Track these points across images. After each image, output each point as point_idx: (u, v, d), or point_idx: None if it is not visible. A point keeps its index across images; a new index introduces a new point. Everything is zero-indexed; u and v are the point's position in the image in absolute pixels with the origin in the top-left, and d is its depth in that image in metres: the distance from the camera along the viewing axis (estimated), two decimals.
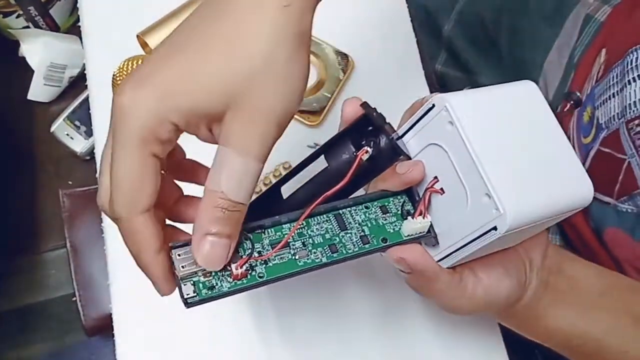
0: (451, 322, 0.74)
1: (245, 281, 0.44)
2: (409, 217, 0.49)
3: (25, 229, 1.24)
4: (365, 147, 0.48)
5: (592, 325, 0.58)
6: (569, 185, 0.46)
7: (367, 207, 0.49)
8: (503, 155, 0.45)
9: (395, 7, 0.91)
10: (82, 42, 0.86)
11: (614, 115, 0.77)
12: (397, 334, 0.73)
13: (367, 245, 0.48)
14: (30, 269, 1.22)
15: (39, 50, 1.29)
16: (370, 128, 0.49)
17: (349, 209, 0.49)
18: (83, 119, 1.24)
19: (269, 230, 0.47)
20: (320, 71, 0.86)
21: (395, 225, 0.49)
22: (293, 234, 0.46)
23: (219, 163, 0.41)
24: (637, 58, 0.73)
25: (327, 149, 0.50)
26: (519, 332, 0.62)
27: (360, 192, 0.51)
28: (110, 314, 0.73)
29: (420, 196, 0.49)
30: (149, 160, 0.41)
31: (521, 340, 0.65)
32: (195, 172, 0.50)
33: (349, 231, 0.48)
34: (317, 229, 0.48)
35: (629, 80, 0.74)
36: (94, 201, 0.74)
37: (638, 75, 0.73)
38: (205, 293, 0.43)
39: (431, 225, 0.49)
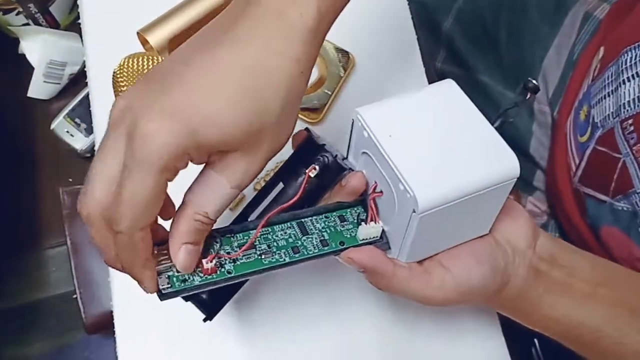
0: (449, 312, 0.74)
1: (215, 276, 0.49)
2: (363, 223, 0.54)
3: (25, 227, 1.24)
4: (313, 166, 0.54)
5: (589, 315, 0.58)
6: (488, 163, 0.49)
7: (326, 217, 0.54)
8: (415, 147, 0.49)
9: (396, 4, 0.91)
10: (82, 40, 0.86)
11: (609, 114, 0.77)
12: (395, 324, 0.74)
13: (326, 248, 0.53)
14: (30, 267, 1.22)
15: (39, 47, 1.29)
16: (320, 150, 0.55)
17: (310, 218, 0.54)
18: (83, 116, 1.24)
19: (238, 235, 0.52)
20: (321, 68, 0.86)
21: (352, 231, 0.54)
22: (258, 237, 0.52)
23: (210, 187, 0.47)
24: (631, 57, 0.74)
25: (283, 173, 0.57)
26: (519, 322, 0.62)
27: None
28: (111, 312, 0.73)
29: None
30: (163, 186, 0.44)
31: (520, 330, 0.65)
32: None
33: (310, 236, 0.53)
34: (281, 234, 0.53)
35: (623, 80, 0.74)
36: None
37: (632, 75, 0.73)
38: (179, 285, 0.48)
39: (383, 231, 0.54)
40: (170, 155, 0.42)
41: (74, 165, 1.25)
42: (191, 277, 0.49)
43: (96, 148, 0.79)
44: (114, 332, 0.72)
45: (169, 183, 0.45)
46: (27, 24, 1.36)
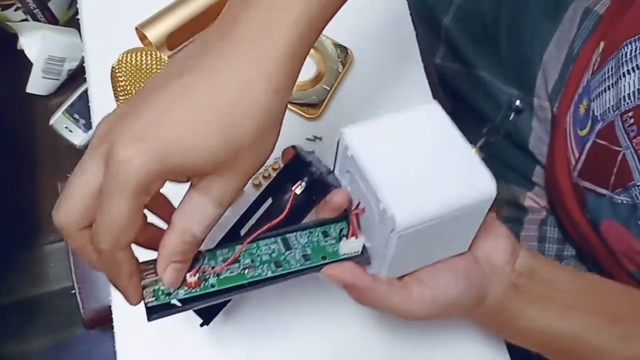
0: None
1: (198, 289, 0.51)
2: (344, 238, 0.55)
3: (24, 222, 1.24)
4: (299, 182, 0.56)
5: (570, 325, 0.59)
6: (466, 184, 0.51)
7: (310, 232, 0.56)
8: (396, 168, 0.51)
9: (395, 0, 0.91)
10: (80, 35, 0.86)
11: (609, 108, 0.77)
12: (395, 324, 0.74)
13: (308, 262, 0.54)
14: (29, 262, 1.22)
15: (38, 43, 1.29)
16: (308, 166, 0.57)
17: (294, 233, 0.56)
18: (82, 111, 1.24)
19: (223, 249, 0.54)
20: (320, 64, 0.86)
21: (334, 246, 0.56)
22: (242, 252, 0.53)
23: (194, 208, 0.48)
24: (631, 50, 0.74)
25: (272, 188, 0.58)
26: (503, 337, 0.63)
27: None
28: (110, 307, 0.73)
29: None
30: (140, 207, 0.46)
31: None
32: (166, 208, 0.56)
33: (292, 251, 0.55)
34: (265, 249, 0.54)
35: (623, 73, 0.74)
36: None
37: (632, 68, 0.73)
38: (163, 298, 0.50)
39: (365, 247, 0.55)
40: (144, 179, 0.44)
41: (73, 161, 1.22)
42: (175, 291, 0.51)
43: None
44: (112, 327, 0.72)
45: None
46: (26, 20, 1.36)
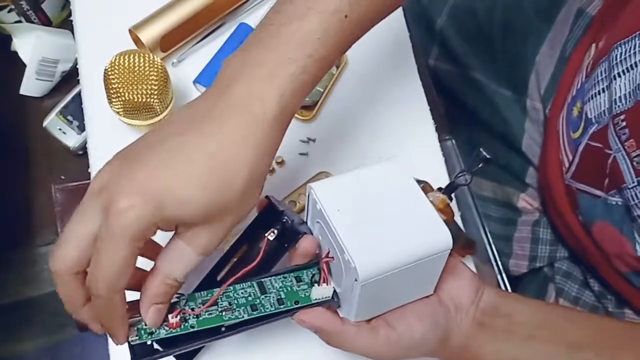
0: None
1: (179, 330, 0.54)
2: (315, 285, 0.59)
3: (17, 224, 1.23)
4: (272, 230, 0.60)
5: (531, 356, 0.62)
6: (424, 237, 0.55)
7: (284, 277, 0.59)
8: (360, 222, 0.55)
9: None
10: (74, 37, 0.86)
11: (603, 111, 0.77)
12: None
13: (282, 306, 0.57)
14: (23, 264, 1.22)
15: (31, 44, 1.28)
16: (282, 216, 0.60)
17: (269, 278, 0.59)
18: (75, 113, 1.23)
19: (202, 292, 0.56)
20: None
21: (306, 291, 0.59)
22: (220, 296, 0.56)
23: (178, 255, 0.52)
24: (621, 53, 0.74)
25: (247, 236, 0.63)
26: None
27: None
28: None
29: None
30: (135, 253, 0.49)
31: None
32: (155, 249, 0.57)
33: (268, 295, 0.58)
34: (241, 292, 0.57)
35: (614, 76, 0.74)
36: None
37: (623, 70, 0.73)
38: (146, 337, 0.53)
39: (335, 292, 0.59)
40: (140, 228, 0.48)
41: (67, 163, 1.24)
42: (157, 330, 0.53)
43: (88, 145, 0.79)
44: None
45: None
46: (20, 21, 1.35)
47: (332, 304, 0.59)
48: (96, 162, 0.79)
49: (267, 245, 0.60)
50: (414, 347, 0.59)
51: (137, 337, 0.53)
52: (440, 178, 0.81)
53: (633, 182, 0.73)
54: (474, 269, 0.72)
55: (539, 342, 0.61)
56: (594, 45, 0.87)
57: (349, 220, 0.55)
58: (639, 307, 0.85)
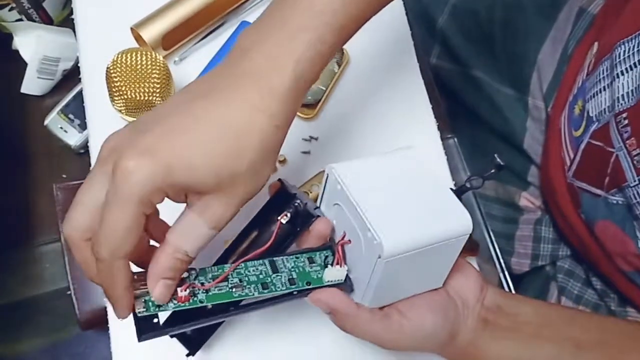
0: None
1: (187, 304, 0.53)
2: (329, 266, 0.58)
3: (18, 223, 1.23)
4: (285, 212, 0.59)
5: (537, 355, 0.62)
6: (445, 220, 0.56)
7: (297, 257, 0.58)
8: (381, 201, 0.55)
9: None
10: (75, 35, 0.86)
11: (605, 109, 0.77)
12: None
13: (293, 286, 0.56)
14: (24, 263, 1.21)
15: (32, 43, 1.28)
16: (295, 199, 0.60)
17: (281, 257, 0.58)
18: (77, 112, 1.23)
19: (213, 267, 0.56)
20: None
21: (319, 273, 0.58)
22: (231, 272, 0.55)
23: (188, 227, 0.51)
24: (624, 51, 0.74)
25: (258, 220, 0.61)
26: None
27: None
28: (105, 308, 0.73)
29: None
30: (140, 218, 0.48)
31: None
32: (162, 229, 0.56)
33: (279, 274, 0.57)
34: (253, 270, 0.56)
35: (617, 74, 0.74)
36: None
37: (626, 69, 0.73)
38: (154, 309, 0.51)
39: (348, 276, 0.58)
40: (147, 190, 0.47)
41: (68, 161, 1.23)
42: (166, 304, 0.52)
43: (90, 144, 0.79)
44: (108, 328, 0.72)
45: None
46: (21, 20, 1.35)
47: (345, 287, 0.59)
48: None
49: (280, 229, 0.59)
50: (425, 338, 0.59)
51: (144, 309, 0.51)
52: (441, 175, 0.81)
53: (635, 181, 0.72)
54: (477, 268, 0.72)
55: (544, 341, 0.62)
56: (596, 43, 0.86)
57: (371, 198, 0.55)
58: None
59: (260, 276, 0.56)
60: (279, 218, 0.59)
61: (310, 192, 0.75)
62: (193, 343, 0.64)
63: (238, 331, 0.72)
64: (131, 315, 0.52)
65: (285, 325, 0.73)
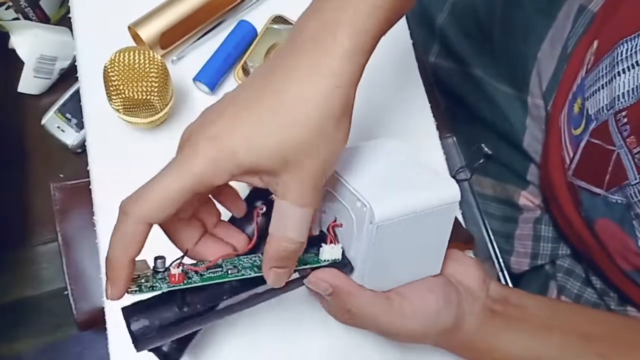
0: None
1: (182, 284, 0.51)
2: (323, 244, 0.58)
3: (15, 223, 1.22)
4: (259, 206, 0.60)
5: (546, 346, 0.61)
6: (432, 188, 0.57)
7: None
8: (368, 176, 0.56)
9: None
10: (72, 34, 0.85)
11: (603, 107, 0.77)
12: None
13: None
14: (21, 263, 1.21)
15: (29, 42, 1.28)
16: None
17: None
18: (74, 111, 1.23)
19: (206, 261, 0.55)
20: None
21: (314, 257, 0.58)
22: (225, 261, 0.55)
23: (282, 215, 0.51)
24: (626, 49, 0.73)
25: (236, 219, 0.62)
26: None
27: None
28: (103, 308, 0.73)
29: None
30: (188, 194, 0.49)
31: None
32: (233, 200, 0.60)
33: None
34: (247, 260, 0.56)
35: (618, 72, 0.74)
36: (85, 194, 0.74)
37: (627, 67, 0.73)
38: (146, 290, 0.51)
39: (345, 256, 0.58)
40: (207, 171, 0.48)
41: (65, 161, 1.23)
42: (160, 285, 0.51)
43: (87, 143, 0.79)
44: (105, 329, 0.72)
45: None
46: (17, 19, 1.35)
47: (345, 267, 0.58)
48: (95, 160, 0.79)
49: (259, 224, 0.60)
50: (427, 322, 0.58)
51: (137, 289, 0.50)
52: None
53: (636, 179, 0.72)
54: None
55: (552, 332, 0.61)
56: (595, 41, 0.86)
57: (358, 174, 0.56)
58: None
59: (255, 263, 0.56)
60: (255, 212, 0.60)
61: None
62: (171, 357, 0.64)
63: (239, 334, 0.72)
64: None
65: (283, 328, 0.73)
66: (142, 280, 0.51)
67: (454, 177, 0.70)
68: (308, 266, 0.57)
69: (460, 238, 0.76)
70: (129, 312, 0.52)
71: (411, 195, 0.55)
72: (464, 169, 0.67)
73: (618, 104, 0.73)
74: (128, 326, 0.52)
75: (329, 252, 0.57)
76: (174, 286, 0.51)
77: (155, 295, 0.53)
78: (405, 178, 0.58)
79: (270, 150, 0.48)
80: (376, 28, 0.53)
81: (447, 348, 0.63)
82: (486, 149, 0.66)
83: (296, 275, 0.58)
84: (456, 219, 0.77)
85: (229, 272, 0.54)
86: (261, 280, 0.55)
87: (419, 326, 0.58)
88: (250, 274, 0.54)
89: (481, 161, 0.67)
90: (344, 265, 0.58)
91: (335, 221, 0.58)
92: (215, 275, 0.53)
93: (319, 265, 0.57)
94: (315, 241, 0.59)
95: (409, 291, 0.58)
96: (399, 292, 0.58)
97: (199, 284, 0.52)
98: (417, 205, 0.55)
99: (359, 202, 0.53)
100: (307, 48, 0.51)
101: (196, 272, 0.53)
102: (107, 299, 0.50)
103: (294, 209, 0.50)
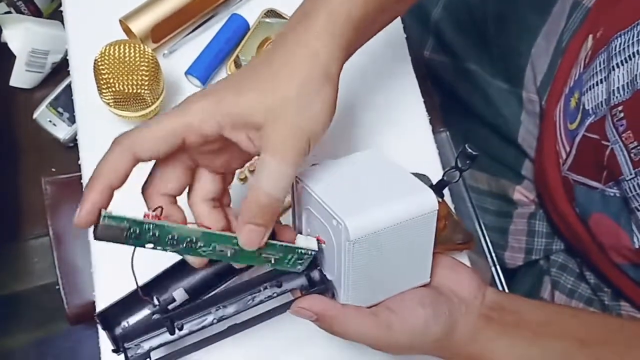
0: None
1: (155, 222, 0.51)
2: (299, 234, 0.58)
3: (7, 217, 1.22)
4: None
5: (544, 352, 0.60)
6: (408, 199, 0.56)
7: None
8: (343, 192, 0.56)
9: None
10: (64, 28, 0.85)
11: (601, 102, 0.77)
12: None
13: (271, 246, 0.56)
14: (12, 257, 1.21)
15: (21, 35, 1.27)
16: None
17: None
18: (66, 105, 1.22)
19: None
20: None
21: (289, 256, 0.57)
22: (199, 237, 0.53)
23: (261, 168, 0.52)
24: (620, 43, 0.73)
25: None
26: None
27: None
28: (94, 302, 0.72)
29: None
30: (177, 139, 0.52)
31: None
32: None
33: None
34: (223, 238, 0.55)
35: (613, 66, 0.74)
36: (77, 189, 0.73)
37: (622, 61, 0.72)
38: (116, 221, 0.50)
39: (327, 279, 0.58)
40: (196, 117, 0.52)
41: (57, 155, 1.23)
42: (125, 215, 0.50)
43: (78, 137, 0.78)
44: (96, 323, 0.71)
45: None
46: (9, 12, 1.35)
47: (325, 292, 0.58)
48: (87, 154, 0.78)
49: None
50: (416, 334, 0.57)
51: (107, 216, 0.49)
52: (434, 170, 0.80)
53: (631, 174, 0.72)
54: (468, 263, 0.72)
55: (549, 338, 0.60)
56: (590, 36, 0.86)
57: (333, 192, 0.56)
58: (636, 300, 0.85)
59: (232, 241, 0.54)
60: None
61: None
62: None
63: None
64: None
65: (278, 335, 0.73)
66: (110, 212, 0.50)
67: (442, 179, 0.70)
68: (284, 243, 0.56)
69: (458, 239, 0.75)
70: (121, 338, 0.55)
71: (386, 208, 0.55)
72: (453, 170, 0.67)
73: (613, 98, 0.73)
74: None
75: (304, 241, 0.57)
76: (143, 220, 0.51)
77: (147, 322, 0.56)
78: (381, 190, 0.58)
79: (254, 101, 0.52)
80: (352, 11, 0.58)
81: (442, 357, 0.62)
82: (470, 149, 0.65)
83: (279, 301, 0.58)
84: (458, 218, 0.77)
85: (201, 245, 0.53)
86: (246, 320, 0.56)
87: (407, 339, 0.57)
88: (227, 254, 0.54)
89: (468, 163, 0.66)
90: (325, 288, 0.58)
91: (318, 238, 0.58)
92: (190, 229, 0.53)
93: (295, 247, 0.57)
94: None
95: (397, 305, 0.58)
96: (387, 306, 0.58)
97: (171, 226, 0.52)
98: (393, 218, 0.54)
99: (334, 220, 0.54)
100: (291, 27, 0.57)
101: (170, 225, 0.52)
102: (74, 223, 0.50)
103: (271, 163, 0.52)
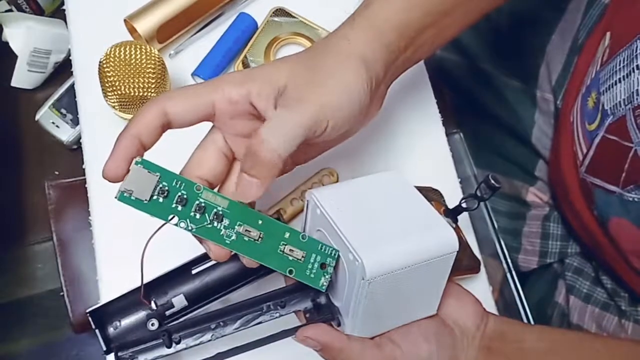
0: None
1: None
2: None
3: (9, 222, 1.21)
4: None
5: None
6: (428, 238, 0.55)
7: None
8: (362, 223, 0.55)
9: None
10: (67, 27, 0.83)
11: (620, 102, 0.75)
12: None
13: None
14: (15, 263, 1.20)
15: (23, 35, 1.26)
16: None
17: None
18: (69, 106, 1.21)
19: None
20: None
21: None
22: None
23: (271, 120, 0.52)
24: None
25: None
26: None
27: None
28: None
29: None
30: (207, 103, 0.53)
31: None
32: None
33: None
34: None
35: (636, 66, 0.72)
36: (81, 193, 0.72)
37: None
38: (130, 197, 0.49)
39: (335, 307, 0.57)
40: (226, 83, 0.54)
41: (60, 158, 1.22)
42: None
43: (82, 141, 0.77)
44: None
45: None
46: (10, 10, 1.34)
47: (332, 320, 0.58)
48: (91, 157, 0.77)
49: None
50: None
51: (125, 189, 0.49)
52: (446, 171, 0.80)
53: None
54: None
55: None
56: (608, 33, 0.84)
57: (351, 220, 0.55)
58: None
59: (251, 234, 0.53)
60: None
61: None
62: None
63: None
64: None
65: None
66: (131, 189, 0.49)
67: (459, 205, 0.68)
68: (305, 280, 0.55)
69: (466, 264, 0.74)
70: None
71: (406, 247, 0.53)
72: (471, 198, 0.65)
73: (637, 99, 0.71)
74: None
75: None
76: (175, 175, 0.50)
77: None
78: (400, 222, 0.56)
79: (285, 69, 0.55)
80: (391, 15, 0.61)
81: None
82: (493, 181, 0.64)
83: (284, 327, 0.56)
84: (466, 242, 0.75)
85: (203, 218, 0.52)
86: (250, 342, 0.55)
87: None
88: (231, 236, 0.52)
89: (490, 192, 0.65)
90: (331, 317, 0.58)
91: None
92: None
93: (319, 280, 0.55)
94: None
95: (401, 337, 0.57)
96: (392, 339, 0.57)
97: (195, 228, 0.51)
98: (411, 259, 0.53)
99: (351, 255, 0.52)
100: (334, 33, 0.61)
101: (199, 186, 0.51)
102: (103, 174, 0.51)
103: (286, 117, 0.52)
